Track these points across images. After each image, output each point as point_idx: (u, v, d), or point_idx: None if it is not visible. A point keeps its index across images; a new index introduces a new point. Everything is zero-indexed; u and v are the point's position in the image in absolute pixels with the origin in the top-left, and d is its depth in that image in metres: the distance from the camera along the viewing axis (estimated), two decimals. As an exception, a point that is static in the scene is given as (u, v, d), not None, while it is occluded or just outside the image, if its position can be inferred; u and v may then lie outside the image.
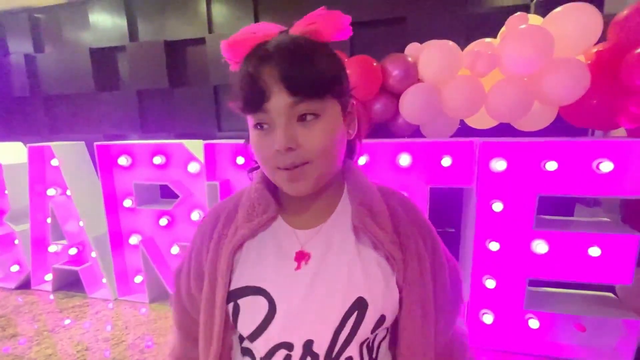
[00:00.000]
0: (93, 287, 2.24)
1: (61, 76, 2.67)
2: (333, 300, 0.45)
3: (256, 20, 2.27)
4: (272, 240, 0.50)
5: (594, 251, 1.50)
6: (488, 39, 1.51)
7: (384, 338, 0.51)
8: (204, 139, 1.86)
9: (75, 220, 2.19)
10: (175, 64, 2.45)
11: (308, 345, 0.46)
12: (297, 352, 0.46)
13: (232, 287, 0.48)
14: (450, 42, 1.49)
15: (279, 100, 0.40)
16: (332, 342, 0.45)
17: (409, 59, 1.54)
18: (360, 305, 0.45)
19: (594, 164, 1.46)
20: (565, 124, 1.57)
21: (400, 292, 0.48)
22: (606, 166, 1.43)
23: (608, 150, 1.44)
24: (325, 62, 0.43)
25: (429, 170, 1.58)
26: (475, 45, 1.48)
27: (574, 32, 1.32)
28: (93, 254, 2.17)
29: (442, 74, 1.49)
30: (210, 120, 2.43)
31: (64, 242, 2.20)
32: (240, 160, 1.79)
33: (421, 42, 1.63)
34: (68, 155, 2.16)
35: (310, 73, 0.41)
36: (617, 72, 1.31)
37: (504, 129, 1.67)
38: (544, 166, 1.50)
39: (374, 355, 0.49)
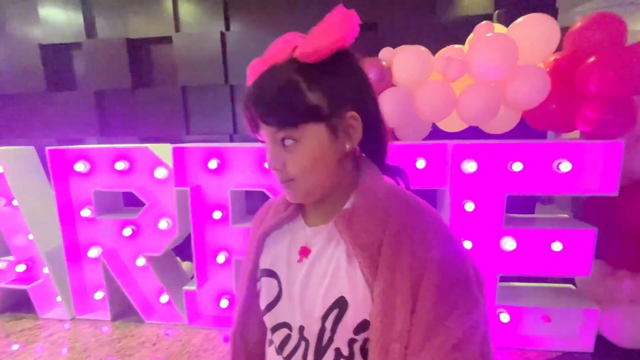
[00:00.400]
0: (45, 306, 2.03)
1: (6, 74, 2.42)
2: (318, 295, 0.50)
3: (226, 18, 2.21)
4: (290, 233, 0.58)
5: (557, 246, 1.61)
6: (457, 45, 1.57)
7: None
8: (172, 142, 1.76)
9: (23, 233, 1.97)
10: (138, 63, 2.31)
11: (301, 330, 0.52)
12: (294, 334, 0.53)
13: (260, 267, 0.58)
14: (422, 48, 1.53)
15: (264, 129, 0.48)
16: (320, 332, 0.50)
17: (383, 63, 1.56)
18: (340, 304, 0.49)
19: (555, 164, 1.57)
20: (527, 127, 1.67)
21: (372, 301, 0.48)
22: (565, 166, 1.54)
23: (567, 151, 1.55)
24: (302, 95, 0.45)
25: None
26: (446, 51, 1.54)
27: (535, 41, 1.41)
28: (45, 270, 1.97)
29: (415, 78, 1.52)
30: (178, 122, 2.31)
31: (11, 258, 1.98)
32: (212, 164, 1.71)
33: (392, 48, 1.67)
34: (14, 161, 1.94)
35: (278, 111, 0.46)
36: (573, 80, 1.41)
37: (472, 132, 1.74)
38: (511, 167, 1.58)
39: (363, 346, 0.50)
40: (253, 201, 1.91)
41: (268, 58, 0.50)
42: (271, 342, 0.58)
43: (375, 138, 0.52)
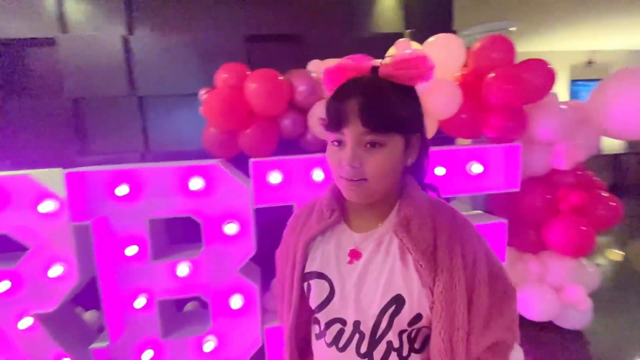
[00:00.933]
0: None
1: None
2: (375, 293, 0.57)
3: (128, 19, 1.92)
4: (335, 238, 0.64)
5: (477, 240, 1.80)
6: (379, 60, 1.64)
7: (429, 333, 0.58)
8: (62, 166, 1.41)
9: None
10: (9, 70, 1.83)
11: (357, 324, 0.58)
12: (348, 328, 0.59)
13: (306, 270, 0.65)
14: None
15: (353, 128, 0.53)
16: (375, 326, 0.57)
17: (313, 75, 1.54)
18: (398, 301, 0.56)
19: (468, 166, 1.76)
20: (439, 135, 1.84)
21: (431, 301, 0.55)
22: (477, 168, 1.74)
23: (478, 154, 1.75)
24: (398, 105, 0.54)
25: (342, 184, 1.59)
26: (372, 65, 1.59)
27: (446, 58, 1.57)
28: None
29: (346, 90, 1.54)
30: (68, 142, 1.89)
31: None
32: (122, 190, 1.42)
33: (317, 60, 1.67)
34: None
35: (380, 113, 0.52)
36: (479, 93, 1.61)
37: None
38: (434, 171, 1.72)
39: (415, 346, 0.59)
40: (178, 230, 1.66)
41: (346, 69, 0.58)
42: (320, 335, 0.64)
43: (422, 158, 0.62)
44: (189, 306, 1.89)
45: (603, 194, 1.69)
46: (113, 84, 1.90)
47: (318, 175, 1.53)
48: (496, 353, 0.59)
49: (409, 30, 2.01)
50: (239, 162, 1.66)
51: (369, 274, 0.59)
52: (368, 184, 0.54)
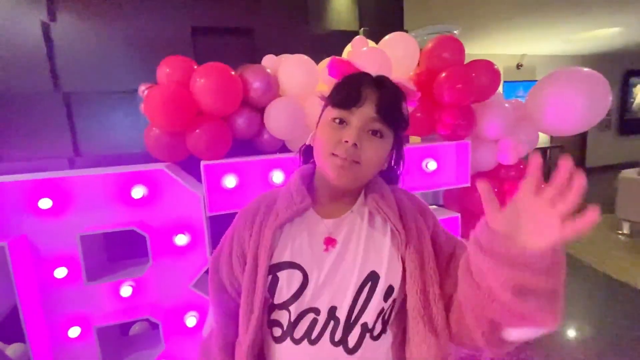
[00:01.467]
0: None
1: None
2: (351, 274, 0.59)
3: (49, 1, 1.64)
4: (306, 226, 0.64)
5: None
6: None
7: (392, 309, 0.62)
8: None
9: None
10: None
11: (332, 311, 0.58)
12: (322, 317, 0.58)
13: (273, 262, 0.61)
14: (306, 57, 1.50)
15: (365, 112, 0.58)
16: (351, 309, 0.58)
17: (268, 70, 1.45)
18: (372, 277, 0.59)
19: (423, 163, 1.81)
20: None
21: (403, 263, 0.60)
22: (432, 165, 1.78)
23: (432, 152, 1.80)
24: (404, 107, 0.62)
25: (302, 186, 1.52)
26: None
27: (401, 57, 1.58)
28: None
29: (302, 88, 1.47)
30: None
31: None
32: (45, 203, 1.21)
33: (269, 55, 1.58)
34: None
35: (394, 106, 0.59)
36: (431, 92, 1.64)
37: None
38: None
39: (387, 326, 0.61)
40: (119, 246, 1.46)
41: (351, 67, 0.66)
42: (284, 336, 0.60)
43: (398, 162, 0.69)
44: (135, 328, 1.69)
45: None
46: (32, 77, 1.62)
47: (277, 177, 1.45)
48: None
49: (363, 29, 2.00)
50: (189, 165, 1.52)
51: (345, 258, 0.60)
52: (360, 168, 0.58)
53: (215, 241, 1.43)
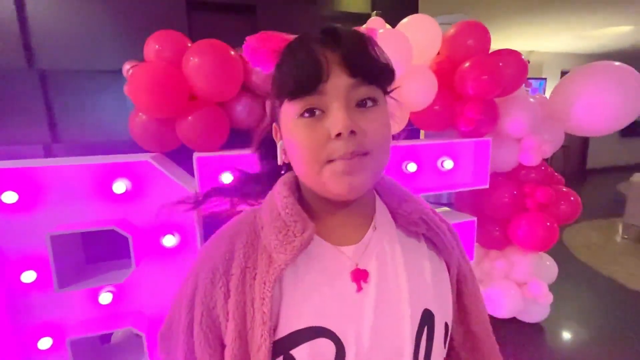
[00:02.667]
0: None
1: None
2: (403, 323, 0.40)
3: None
4: (315, 263, 0.42)
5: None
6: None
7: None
8: None
9: None
10: None
11: None
12: None
13: (280, 335, 0.39)
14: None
15: (338, 81, 0.37)
16: None
17: (272, 52, 1.28)
18: (427, 318, 0.42)
19: (439, 162, 1.66)
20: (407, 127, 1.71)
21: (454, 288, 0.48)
22: (448, 164, 1.63)
23: (450, 150, 1.65)
24: (382, 53, 0.40)
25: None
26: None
27: (422, 42, 1.41)
28: None
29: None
30: None
31: None
32: (9, 196, 1.04)
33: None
34: None
35: (372, 56, 0.39)
36: (452, 83, 1.49)
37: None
38: (406, 167, 1.58)
39: None
40: (98, 245, 1.29)
41: (278, 37, 0.43)
42: None
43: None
44: (118, 334, 1.53)
45: (564, 189, 1.70)
46: (2, 53, 1.43)
47: (279, 173, 1.29)
48: None
49: (376, 12, 1.83)
50: (179, 156, 1.35)
51: (385, 300, 0.41)
52: (372, 158, 0.38)
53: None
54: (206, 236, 1.28)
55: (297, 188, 0.47)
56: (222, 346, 0.42)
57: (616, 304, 2.46)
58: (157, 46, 1.15)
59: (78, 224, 1.09)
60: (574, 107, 1.54)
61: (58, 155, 1.51)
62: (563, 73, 6.12)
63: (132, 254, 1.12)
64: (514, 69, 1.46)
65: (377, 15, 1.84)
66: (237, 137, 1.38)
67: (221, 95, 1.18)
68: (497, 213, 1.71)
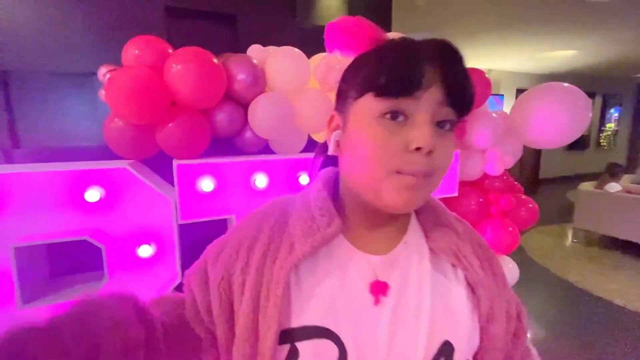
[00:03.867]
0: None
1: None
2: (416, 344, 0.38)
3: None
4: (337, 264, 0.42)
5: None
6: (330, 54, 1.49)
7: None
8: None
9: None
10: None
11: None
12: None
13: (291, 325, 0.39)
14: (297, 50, 1.36)
15: (434, 93, 0.36)
16: None
17: (254, 61, 1.30)
18: (445, 351, 0.39)
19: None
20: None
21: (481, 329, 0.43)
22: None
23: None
24: (473, 84, 0.40)
25: (288, 191, 1.38)
26: (321, 58, 1.42)
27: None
28: None
29: (292, 84, 1.34)
30: None
31: None
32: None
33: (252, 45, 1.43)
34: None
35: (468, 82, 0.39)
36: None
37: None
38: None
39: None
40: (65, 257, 1.22)
41: (376, 27, 0.43)
42: None
43: None
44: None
45: (523, 197, 1.85)
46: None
47: (260, 181, 1.29)
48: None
49: (353, 27, 1.91)
50: (153, 164, 1.31)
51: (403, 316, 0.39)
52: (433, 180, 0.38)
53: (184, 253, 1.24)
54: (184, 246, 1.25)
55: (334, 185, 0.48)
56: (231, 312, 0.43)
57: (569, 303, 2.68)
58: (136, 51, 1.12)
59: (46, 234, 1.02)
60: (530, 122, 1.70)
61: (19, 162, 1.41)
62: (518, 90, 6.65)
63: (105, 266, 1.07)
64: (479, 87, 1.59)
65: (353, 30, 1.93)
66: (217, 145, 1.37)
67: (203, 102, 1.17)
68: (465, 219, 1.82)
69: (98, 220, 1.10)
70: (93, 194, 1.06)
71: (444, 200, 1.81)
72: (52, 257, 1.20)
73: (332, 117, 0.45)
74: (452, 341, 0.39)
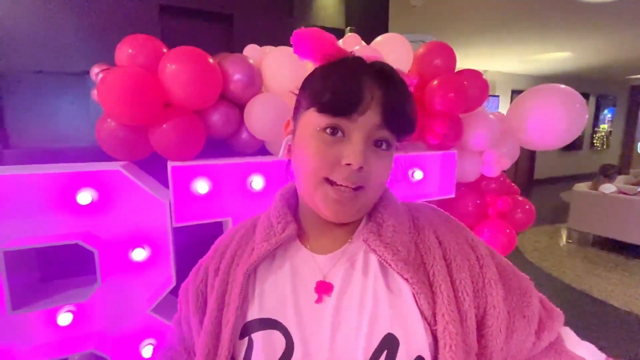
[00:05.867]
0: None
1: None
2: (357, 339, 0.40)
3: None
4: (289, 265, 0.47)
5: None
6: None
7: None
8: None
9: None
10: None
11: None
12: None
13: (248, 318, 0.45)
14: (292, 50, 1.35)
15: (371, 117, 0.41)
16: None
17: (251, 61, 1.28)
18: (389, 344, 0.40)
19: (409, 173, 1.74)
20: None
21: (431, 325, 0.41)
22: (418, 174, 1.72)
23: (419, 161, 1.74)
24: (414, 108, 0.46)
25: (285, 193, 1.37)
26: (318, 58, 1.41)
27: (394, 60, 1.49)
28: None
29: (289, 84, 1.32)
30: None
31: None
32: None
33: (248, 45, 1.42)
34: None
35: (408, 113, 0.43)
36: (422, 99, 1.57)
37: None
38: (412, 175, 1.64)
39: None
40: (56, 262, 1.19)
41: (332, 42, 0.46)
42: None
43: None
44: (75, 357, 1.41)
45: (520, 198, 1.85)
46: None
47: (257, 182, 1.28)
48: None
49: (350, 27, 1.90)
50: (147, 166, 1.29)
51: (345, 313, 0.42)
52: (364, 193, 0.42)
53: (179, 257, 1.22)
54: (178, 250, 1.23)
55: (295, 201, 0.54)
56: (205, 311, 0.49)
57: (563, 303, 2.69)
58: (130, 50, 1.10)
59: (37, 238, 1.00)
60: (527, 124, 1.69)
61: (9, 163, 1.37)
62: (513, 92, 6.70)
63: (97, 269, 1.05)
64: (477, 87, 1.59)
65: (351, 31, 1.92)
66: (212, 147, 1.35)
67: (198, 103, 1.15)
68: (462, 220, 1.81)
69: (90, 223, 1.07)
70: (85, 197, 1.03)
71: (442, 202, 1.81)
72: (43, 261, 1.17)
73: (288, 122, 0.51)
74: (396, 334, 0.40)
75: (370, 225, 0.46)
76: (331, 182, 0.41)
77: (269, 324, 0.43)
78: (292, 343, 0.41)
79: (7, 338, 1.03)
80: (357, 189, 0.41)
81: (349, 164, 0.40)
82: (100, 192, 1.08)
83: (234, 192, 1.28)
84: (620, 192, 3.62)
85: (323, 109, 0.41)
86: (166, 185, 1.17)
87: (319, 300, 0.44)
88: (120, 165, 1.10)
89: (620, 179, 4.05)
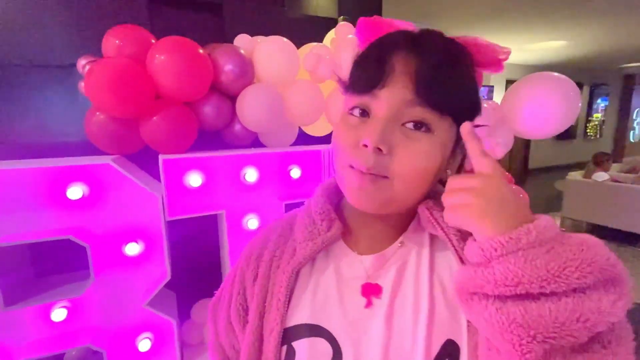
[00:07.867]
0: None
1: None
2: (416, 346, 0.36)
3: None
4: (333, 266, 0.42)
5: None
6: (320, 44, 1.46)
7: None
8: None
9: None
10: None
11: None
12: None
13: (288, 324, 0.40)
14: (286, 40, 1.32)
15: (396, 92, 0.35)
16: None
17: (242, 51, 1.26)
18: (450, 351, 0.36)
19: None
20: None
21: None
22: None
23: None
24: (468, 80, 0.38)
25: (279, 185, 1.36)
26: (311, 48, 1.39)
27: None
28: None
29: (282, 75, 1.30)
30: None
31: None
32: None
33: (238, 35, 1.39)
34: None
35: (449, 76, 0.35)
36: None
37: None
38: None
39: None
40: (49, 257, 1.18)
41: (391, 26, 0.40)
42: None
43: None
44: (72, 353, 1.40)
45: (514, 187, 1.86)
46: None
47: (251, 175, 1.27)
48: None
49: (343, 17, 1.87)
50: (139, 159, 1.27)
51: (398, 317, 0.38)
52: (388, 184, 0.36)
53: (173, 250, 1.22)
54: (172, 243, 1.22)
55: (337, 197, 0.49)
56: (247, 321, 0.46)
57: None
58: (117, 41, 1.07)
59: (28, 234, 0.98)
60: (522, 113, 1.69)
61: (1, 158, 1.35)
62: (508, 81, 6.69)
63: (90, 265, 1.04)
64: (471, 77, 1.58)
65: (344, 20, 1.89)
66: (205, 139, 1.33)
67: (189, 95, 1.13)
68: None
69: (82, 218, 1.06)
70: (75, 191, 1.02)
71: (436, 191, 1.81)
72: (36, 257, 1.16)
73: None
74: (457, 340, 0.36)
75: (428, 202, 0.40)
76: (352, 168, 0.37)
77: (313, 330, 0.39)
78: (340, 351, 0.37)
79: (1, 335, 1.02)
80: (380, 178, 0.35)
81: (364, 145, 0.35)
82: (91, 186, 1.06)
83: (228, 185, 1.27)
84: (613, 180, 3.65)
85: (348, 88, 0.39)
86: (159, 179, 1.15)
87: (368, 305, 0.39)
88: (111, 159, 1.08)
89: (614, 167, 4.09)
